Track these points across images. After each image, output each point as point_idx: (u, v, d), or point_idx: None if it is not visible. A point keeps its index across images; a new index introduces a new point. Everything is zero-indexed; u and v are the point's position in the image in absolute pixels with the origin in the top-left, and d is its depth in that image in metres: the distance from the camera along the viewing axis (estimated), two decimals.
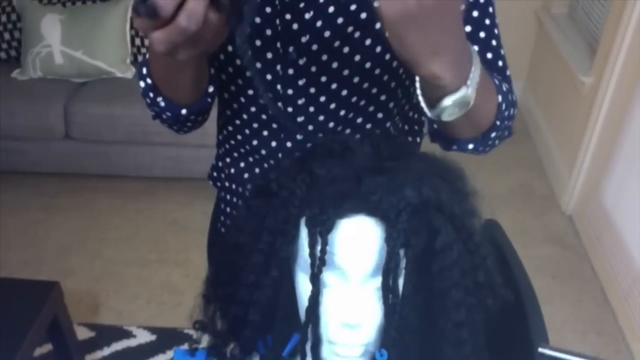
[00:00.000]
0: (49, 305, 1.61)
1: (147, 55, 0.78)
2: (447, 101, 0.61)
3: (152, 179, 2.85)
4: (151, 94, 0.79)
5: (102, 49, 2.79)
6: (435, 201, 0.61)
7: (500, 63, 0.80)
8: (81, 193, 2.83)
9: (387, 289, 0.61)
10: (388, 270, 0.61)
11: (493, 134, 0.74)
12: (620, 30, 2.28)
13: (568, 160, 2.74)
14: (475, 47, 0.76)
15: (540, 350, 0.89)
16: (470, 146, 0.75)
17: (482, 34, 0.77)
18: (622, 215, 2.24)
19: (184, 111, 0.80)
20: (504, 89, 0.73)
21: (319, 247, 0.60)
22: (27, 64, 2.82)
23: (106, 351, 2.06)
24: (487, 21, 0.78)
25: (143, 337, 2.11)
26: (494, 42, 0.79)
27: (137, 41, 2.90)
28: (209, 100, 0.82)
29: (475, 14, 0.77)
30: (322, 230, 0.60)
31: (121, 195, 2.82)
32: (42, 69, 2.82)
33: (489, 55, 0.78)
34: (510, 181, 2.93)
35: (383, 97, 0.84)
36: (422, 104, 0.65)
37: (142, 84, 0.79)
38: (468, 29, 0.77)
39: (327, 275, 0.63)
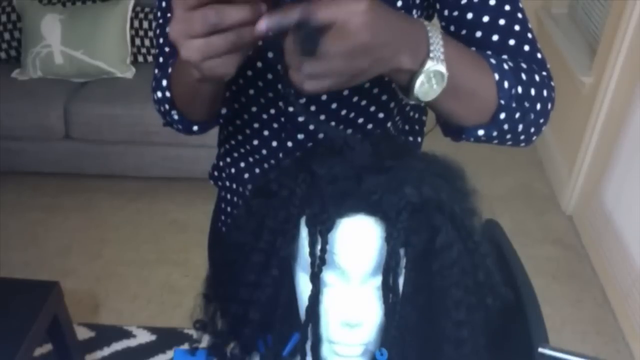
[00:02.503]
0: (49, 305, 1.61)
1: (170, 70, 0.80)
2: (417, 79, 0.61)
3: (152, 179, 2.85)
4: (166, 106, 0.82)
5: (102, 49, 2.79)
6: (436, 200, 0.61)
7: (526, 48, 0.77)
8: (81, 193, 2.83)
9: (388, 288, 0.61)
10: (388, 270, 0.61)
11: (502, 116, 0.71)
12: (620, 30, 2.28)
13: (568, 160, 2.74)
14: (496, 37, 0.75)
15: (540, 350, 0.89)
16: (481, 132, 0.72)
17: (502, 22, 0.76)
18: (622, 215, 2.24)
19: (195, 127, 0.84)
20: (507, 67, 0.71)
21: (319, 247, 0.60)
22: (27, 64, 2.82)
23: (106, 351, 2.06)
24: (507, 7, 0.76)
25: (143, 337, 2.11)
26: (516, 28, 0.76)
27: (137, 41, 2.90)
28: (220, 121, 0.88)
29: (492, 2, 0.75)
30: (322, 229, 0.60)
31: (121, 195, 2.82)
32: (42, 69, 2.82)
33: (512, 42, 0.76)
34: (510, 181, 2.93)
35: (384, 97, 0.84)
36: (398, 92, 0.65)
37: (159, 94, 0.82)
38: (486, 19, 0.75)
39: (327, 275, 0.63)
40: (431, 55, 0.60)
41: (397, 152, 0.66)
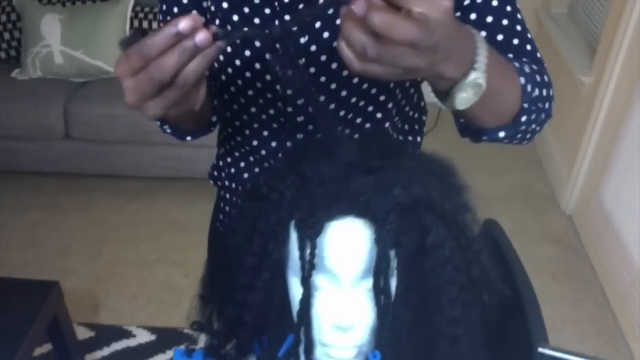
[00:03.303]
0: (49, 305, 1.61)
1: None
2: (458, 89, 0.61)
3: (152, 179, 2.85)
4: (158, 122, 0.83)
5: (102, 49, 2.79)
6: (426, 200, 0.61)
7: (528, 47, 0.78)
8: (81, 193, 2.83)
9: (379, 291, 0.61)
10: (379, 272, 0.60)
11: (524, 119, 0.72)
12: (620, 30, 2.27)
13: (568, 160, 2.74)
14: (500, 37, 0.76)
15: (540, 350, 0.89)
16: (502, 134, 0.73)
17: (505, 22, 0.77)
18: (622, 215, 2.24)
19: (188, 138, 0.87)
20: (528, 70, 0.72)
21: (308, 251, 0.60)
22: (27, 64, 2.82)
23: (106, 351, 2.06)
24: (509, 8, 0.77)
25: (143, 337, 2.11)
26: (518, 28, 0.78)
27: None
28: (212, 129, 0.90)
29: (495, 3, 0.76)
30: (311, 233, 0.59)
31: (121, 195, 2.82)
32: (42, 69, 2.82)
33: (516, 42, 0.77)
34: (510, 181, 2.93)
35: (382, 98, 0.84)
36: (436, 98, 0.65)
37: None
38: (490, 19, 0.76)
39: (318, 278, 0.62)
40: (475, 67, 0.60)
41: (386, 152, 0.65)
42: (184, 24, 0.53)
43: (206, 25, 0.55)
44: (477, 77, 0.60)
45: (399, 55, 0.51)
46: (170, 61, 0.54)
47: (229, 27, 0.79)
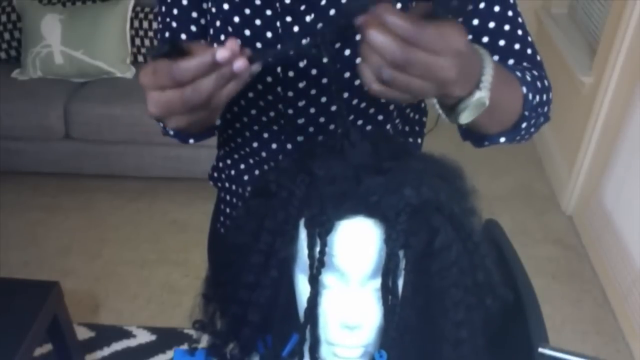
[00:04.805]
0: (49, 305, 1.61)
1: None
2: (462, 107, 0.61)
3: (152, 179, 2.85)
4: (161, 124, 0.83)
5: (102, 49, 2.79)
6: (435, 201, 0.61)
7: (529, 51, 0.80)
8: (81, 193, 2.83)
9: (387, 290, 0.61)
10: (387, 271, 0.60)
11: (523, 125, 0.74)
12: (620, 30, 2.28)
13: (568, 160, 2.74)
14: (502, 42, 0.77)
15: (540, 350, 0.89)
16: (502, 139, 0.75)
17: (506, 27, 0.77)
18: (622, 215, 2.24)
19: (191, 141, 0.86)
20: (529, 78, 0.73)
21: (318, 249, 0.60)
22: (27, 64, 2.82)
23: (106, 351, 2.06)
24: (510, 13, 0.78)
25: (143, 337, 2.11)
26: (519, 32, 0.79)
27: (137, 41, 2.90)
28: (215, 131, 0.90)
29: (497, 8, 0.77)
30: (321, 231, 0.60)
31: (121, 195, 2.82)
32: (42, 69, 2.82)
33: (517, 46, 0.78)
34: (510, 181, 2.93)
35: (383, 100, 0.84)
36: (439, 111, 0.66)
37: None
38: (492, 24, 0.77)
39: (326, 277, 0.62)
40: (481, 85, 0.61)
41: (396, 153, 0.66)
42: (222, 54, 0.53)
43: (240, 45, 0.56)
44: (481, 96, 0.61)
45: (411, 82, 0.53)
46: (207, 86, 0.54)
47: (230, 29, 0.79)
